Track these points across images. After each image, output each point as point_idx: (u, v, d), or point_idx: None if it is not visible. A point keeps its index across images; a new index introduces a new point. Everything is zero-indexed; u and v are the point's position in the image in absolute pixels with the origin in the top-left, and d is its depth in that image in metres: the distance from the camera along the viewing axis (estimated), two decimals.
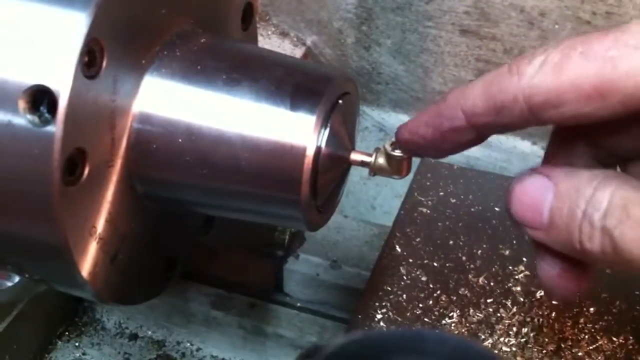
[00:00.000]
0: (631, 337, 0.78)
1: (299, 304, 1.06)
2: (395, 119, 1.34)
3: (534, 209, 0.52)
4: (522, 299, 0.83)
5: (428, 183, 0.97)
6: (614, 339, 0.79)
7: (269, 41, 1.30)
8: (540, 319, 0.81)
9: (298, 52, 1.32)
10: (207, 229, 0.79)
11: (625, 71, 0.47)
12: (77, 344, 1.12)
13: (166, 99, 0.62)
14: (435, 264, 0.87)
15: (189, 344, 1.12)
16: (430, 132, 0.56)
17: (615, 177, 0.49)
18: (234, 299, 1.08)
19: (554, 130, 0.59)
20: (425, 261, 0.87)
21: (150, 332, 1.13)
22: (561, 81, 0.48)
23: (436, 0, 1.18)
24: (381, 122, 1.36)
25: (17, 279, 0.67)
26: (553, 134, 0.59)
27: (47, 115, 0.54)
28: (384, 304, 0.83)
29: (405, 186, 0.98)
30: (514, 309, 0.82)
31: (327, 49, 1.32)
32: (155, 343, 1.12)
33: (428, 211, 0.94)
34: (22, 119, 0.54)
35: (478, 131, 0.55)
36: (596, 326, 0.80)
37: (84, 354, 1.11)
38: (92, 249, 0.61)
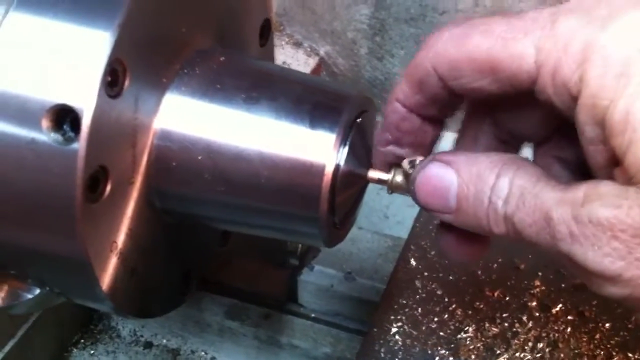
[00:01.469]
0: None
1: (313, 315, 1.06)
2: None
3: (440, 195, 0.56)
4: (537, 314, 0.83)
5: None
6: (630, 354, 0.79)
7: (282, 51, 1.31)
8: (556, 334, 0.81)
9: (311, 62, 1.33)
10: (224, 242, 0.79)
11: (512, 53, 0.51)
12: (92, 352, 1.13)
13: (186, 116, 0.63)
14: (450, 278, 0.87)
15: (203, 353, 1.13)
16: (388, 135, 0.61)
17: (514, 163, 0.53)
18: (249, 309, 1.09)
19: (466, 111, 0.63)
20: (441, 275, 0.88)
21: (165, 341, 1.14)
22: (460, 53, 0.53)
23: (450, 12, 1.18)
24: None
25: (37, 291, 0.68)
26: (465, 114, 0.63)
27: (70, 133, 0.55)
28: (399, 317, 0.83)
29: None
30: (530, 324, 0.82)
31: (340, 59, 1.33)
32: (170, 352, 1.13)
33: None
34: (45, 137, 0.55)
35: (420, 115, 0.59)
36: (612, 341, 0.80)
37: None
38: (113, 263, 0.61)
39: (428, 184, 0.57)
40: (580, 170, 0.57)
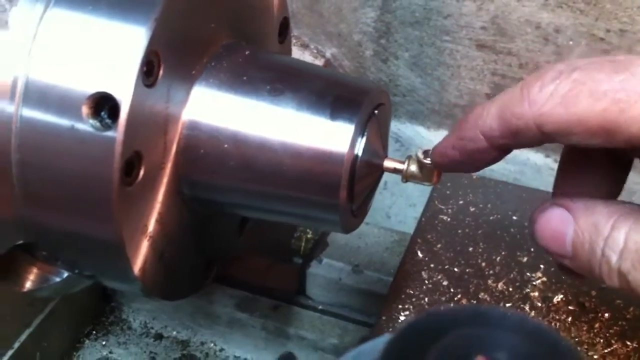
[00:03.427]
0: None
1: (321, 307, 1.09)
2: (412, 130, 1.37)
3: (557, 240, 0.56)
4: (539, 304, 0.86)
5: (448, 192, 1.00)
6: (628, 343, 0.82)
7: None
8: (557, 324, 0.84)
9: (318, 64, 1.35)
10: (241, 230, 0.82)
11: (630, 116, 0.49)
12: (104, 343, 1.15)
13: (214, 107, 0.66)
14: (455, 270, 0.90)
15: (212, 345, 1.15)
16: (457, 154, 0.60)
17: (631, 215, 0.52)
18: (258, 301, 1.11)
19: None
20: (446, 266, 0.90)
21: (175, 333, 1.16)
22: (569, 115, 0.50)
23: (454, 16, 1.21)
24: (397, 133, 1.39)
25: (65, 274, 0.70)
26: None
27: (107, 120, 0.58)
28: (406, 306, 0.86)
29: (420, 196, 1.01)
30: (532, 314, 0.85)
31: (346, 61, 1.35)
32: (180, 343, 1.15)
33: (448, 219, 0.97)
34: (85, 124, 0.58)
35: (500, 150, 0.58)
36: (611, 331, 0.83)
37: (110, 352, 1.14)
38: (144, 247, 0.64)
39: (547, 228, 0.56)
40: None
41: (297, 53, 1.35)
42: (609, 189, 0.60)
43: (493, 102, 0.55)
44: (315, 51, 1.37)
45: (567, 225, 0.55)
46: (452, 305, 0.84)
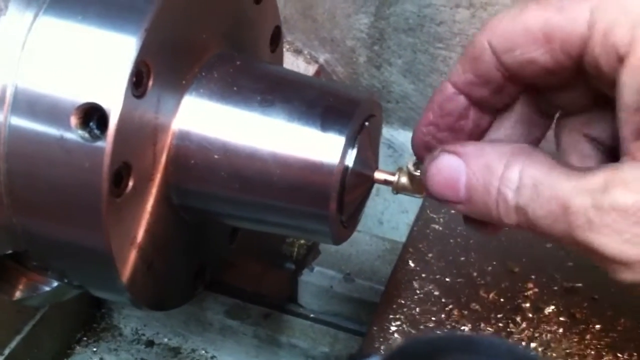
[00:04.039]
0: (635, 354, 0.81)
1: (312, 315, 1.09)
2: (405, 137, 1.37)
3: (450, 186, 0.57)
4: (531, 315, 0.86)
5: None
6: (619, 354, 0.81)
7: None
8: (549, 335, 0.84)
9: (311, 70, 1.35)
10: (233, 239, 0.82)
11: (568, 17, 0.51)
12: (94, 349, 1.14)
13: (204, 117, 0.66)
14: (447, 279, 0.90)
15: (203, 352, 1.15)
16: (430, 115, 0.61)
17: (522, 153, 0.53)
18: (249, 309, 1.11)
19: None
20: (438, 276, 0.90)
21: (166, 340, 1.16)
22: (515, 24, 0.53)
23: (447, 23, 1.21)
24: (390, 140, 1.39)
25: (54, 284, 0.70)
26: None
27: (96, 131, 0.58)
28: (398, 316, 0.86)
29: (412, 202, 1.01)
30: (523, 325, 0.85)
31: (339, 67, 1.35)
32: (171, 350, 1.15)
33: (440, 228, 0.97)
34: (73, 134, 0.58)
35: (468, 96, 0.59)
36: (602, 342, 0.83)
37: (101, 359, 1.14)
38: (132, 257, 0.64)
39: (439, 175, 0.57)
40: (609, 150, 0.57)
41: (290, 59, 1.35)
42: (524, 142, 0.61)
43: None
44: (308, 57, 1.37)
45: (459, 170, 0.56)
46: (441, 331, 0.84)
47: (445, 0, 1.19)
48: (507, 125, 0.62)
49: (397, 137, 1.38)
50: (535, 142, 0.63)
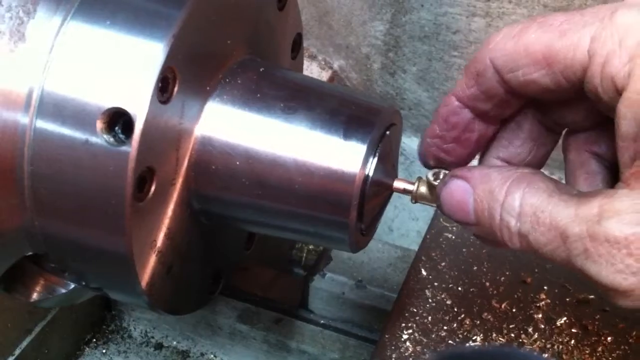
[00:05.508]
0: None
1: (322, 321, 1.09)
2: (416, 144, 1.37)
3: (461, 209, 0.59)
4: (543, 326, 0.86)
5: None
6: None
7: None
8: (560, 346, 0.84)
9: (325, 75, 1.36)
10: (249, 245, 0.82)
11: (568, 43, 0.52)
12: (104, 351, 1.15)
13: (227, 123, 0.66)
14: (459, 289, 0.90)
15: (212, 356, 1.15)
16: (436, 128, 0.63)
17: (523, 180, 0.55)
18: (260, 314, 1.11)
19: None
20: (450, 285, 0.91)
21: (175, 343, 1.16)
22: (517, 45, 0.55)
23: (463, 31, 1.22)
24: (402, 147, 1.38)
25: (71, 286, 0.70)
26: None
27: (121, 135, 0.58)
28: (410, 325, 0.86)
29: (422, 210, 1.01)
30: (535, 335, 0.85)
31: (353, 73, 1.36)
32: (180, 353, 1.15)
33: (453, 237, 0.97)
34: (99, 139, 0.58)
35: (473, 110, 0.61)
36: (613, 354, 0.83)
37: None
38: (152, 261, 0.64)
39: (451, 198, 0.60)
40: (615, 167, 0.58)
41: (304, 64, 1.35)
42: (532, 158, 0.64)
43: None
44: (323, 63, 1.37)
45: (468, 194, 0.58)
46: (474, 344, 0.84)
47: (462, 9, 1.19)
48: (516, 144, 0.64)
49: (409, 144, 1.38)
50: (545, 155, 0.65)
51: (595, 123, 0.60)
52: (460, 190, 0.59)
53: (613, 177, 0.60)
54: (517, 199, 0.54)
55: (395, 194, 0.70)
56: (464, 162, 0.65)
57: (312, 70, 1.35)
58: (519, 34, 0.55)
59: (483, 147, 0.65)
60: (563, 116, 0.61)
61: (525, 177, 0.55)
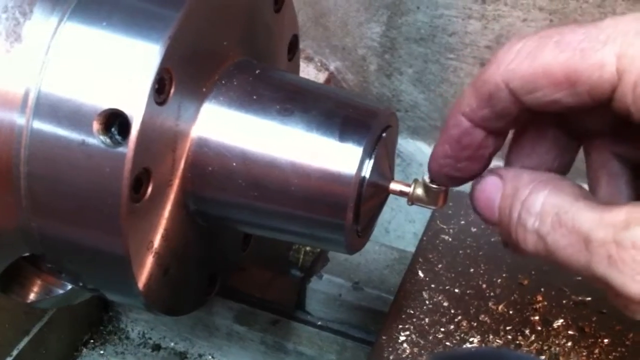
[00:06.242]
0: None
1: (320, 323, 1.09)
2: (413, 146, 1.37)
3: (488, 206, 0.57)
4: (540, 328, 0.86)
5: (450, 212, 1.00)
6: None
7: None
8: (557, 348, 0.84)
9: (321, 77, 1.36)
10: (245, 246, 0.82)
11: (592, 63, 0.49)
12: (101, 352, 1.15)
13: (223, 125, 0.66)
14: (456, 290, 0.90)
15: (210, 357, 1.15)
16: (448, 148, 0.60)
17: (551, 182, 0.53)
18: (257, 315, 1.11)
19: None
20: (447, 287, 0.91)
21: (172, 344, 1.16)
22: (535, 67, 0.51)
23: (459, 34, 1.22)
24: (398, 149, 1.39)
25: (68, 287, 0.70)
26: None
27: (117, 136, 0.58)
28: (407, 326, 0.86)
29: (419, 212, 1.01)
30: (532, 337, 0.85)
31: (349, 74, 1.36)
32: (178, 354, 1.15)
33: (450, 239, 0.97)
34: (95, 140, 0.58)
35: (485, 129, 0.58)
36: (610, 357, 0.83)
37: None
38: (148, 262, 0.65)
39: (482, 194, 0.58)
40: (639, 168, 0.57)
41: (301, 66, 1.35)
42: (558, 165, 0.61)
43: (469, 84, 0.57)
44: (319, 64, 1.37)
45: (497, 191, 0.56)
46: (471, 346, 0.84)
47: (457, 11, 1.19)
48: (540, 152, 0.61)
49: (405, 146, 1.38)
50: (568, 162, 0.63)
51: (618, 124, 0.58)
52: (491, 186, 0.57)
53: (637, 178, 0.58)
54: (540, 198, 0.52)
55: (391, 196, 0.70)
56: (477, 175, 0.62)
57: (309, 71, 1.35)
58: (534, 53, 0.52)
59: (493, 156, 0.62)
60: (585, 123, 0.59)
61: (553, 180, 0.54)
